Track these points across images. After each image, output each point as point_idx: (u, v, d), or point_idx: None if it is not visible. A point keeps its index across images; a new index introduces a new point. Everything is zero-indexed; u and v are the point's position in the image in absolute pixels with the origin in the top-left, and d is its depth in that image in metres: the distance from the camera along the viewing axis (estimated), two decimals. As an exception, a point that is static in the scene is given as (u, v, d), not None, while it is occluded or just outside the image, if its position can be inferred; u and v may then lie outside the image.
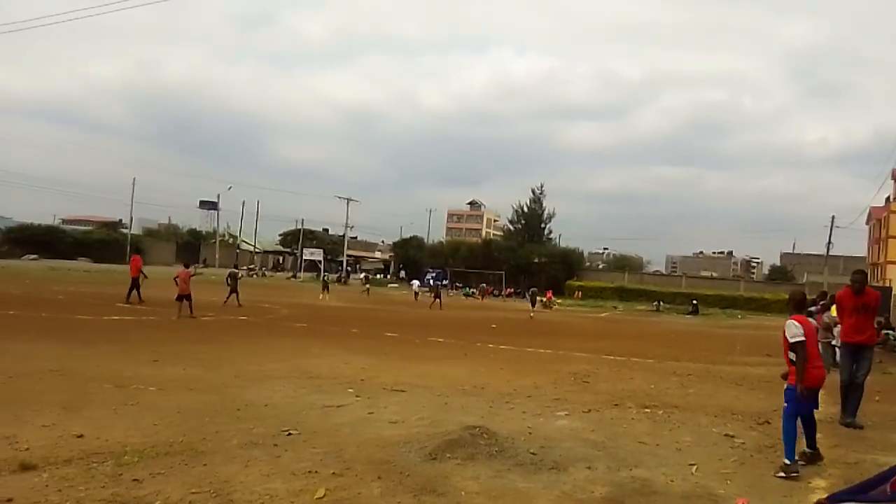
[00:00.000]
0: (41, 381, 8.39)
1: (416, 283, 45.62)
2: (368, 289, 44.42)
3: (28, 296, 22.83)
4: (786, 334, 6.14)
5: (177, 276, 19.43)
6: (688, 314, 43.14)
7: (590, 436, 6.95)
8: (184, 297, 18.66)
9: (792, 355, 6.08)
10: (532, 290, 38.64)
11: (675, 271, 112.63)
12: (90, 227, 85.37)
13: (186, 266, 20.72)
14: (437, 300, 34.89)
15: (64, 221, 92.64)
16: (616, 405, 8.91)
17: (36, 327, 14.18)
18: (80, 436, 5.84)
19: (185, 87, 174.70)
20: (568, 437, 6.81)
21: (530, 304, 35.06)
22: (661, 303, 48.30)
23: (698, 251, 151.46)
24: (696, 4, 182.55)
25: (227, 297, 24.53)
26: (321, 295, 36.42)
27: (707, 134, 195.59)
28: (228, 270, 30.95)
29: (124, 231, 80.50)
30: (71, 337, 12.86)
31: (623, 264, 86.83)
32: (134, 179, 76.58)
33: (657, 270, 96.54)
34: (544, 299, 42.07)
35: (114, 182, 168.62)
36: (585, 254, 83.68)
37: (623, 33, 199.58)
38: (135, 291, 22.15)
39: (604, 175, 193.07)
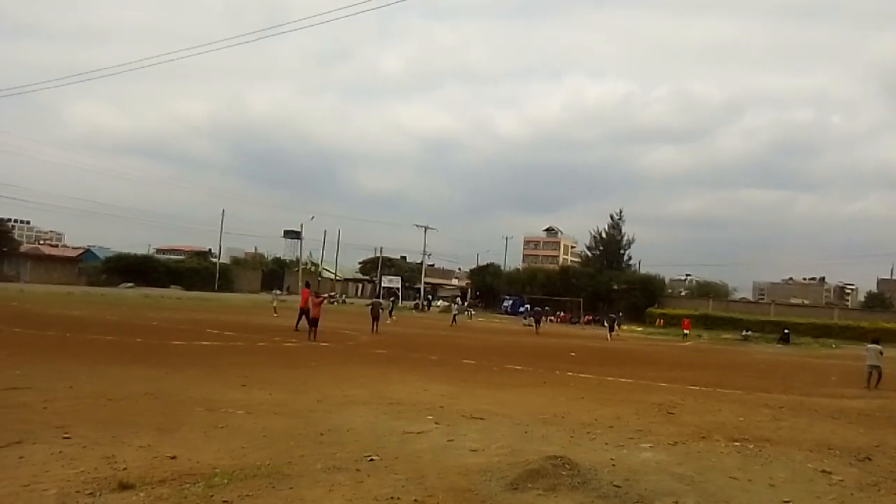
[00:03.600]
0: (137, 403, 8.80)
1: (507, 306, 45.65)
2: (465, 315, 44.84)
3: (125, 322, 24.06)
4: None
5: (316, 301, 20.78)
6: (778, 343, 41.21)
7: (676, 469, 6.73)
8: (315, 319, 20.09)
9: None
10: (610, 315, 38.51)
11: (763, 298, 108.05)
12: (182, 256, 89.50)
13: (314, 292, 22.34)
14: (537, 326, 37.09)
15: (157, 251, 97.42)
16: (703, 438, 8.59)
17: (132, 352, 14.91)
18: (174, 457, 6.08)
19: (269, 121, 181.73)
20: (653, 471, 6.61)
21: (608, 330, 35.55)
22: (749, 331, 46.36)
23: (787, 277, 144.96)
24: (779, 23, 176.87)
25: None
26: (389, 319, 37.16)
27: (794, 155, 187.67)
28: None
29: (213, 260, 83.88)
30: (164, 361, 13.45)
31: (707, 291, 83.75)
32: (223, 211, 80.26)
33: (743, 298, 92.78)
34: (627, 326, 40.91)
35: (203, 213, 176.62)
36: (667, 280, 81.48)
37: (702, 55, 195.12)
38: (303, 319, 22.21)
39: (685, 199, 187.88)
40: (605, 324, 38.17)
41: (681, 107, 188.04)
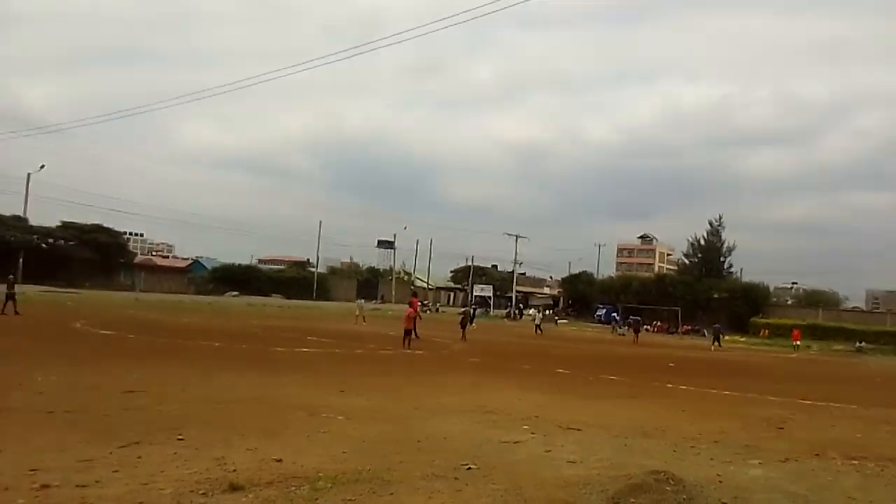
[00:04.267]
0: (244, 407, 9.18)
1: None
2: (552, 323, 44.31)
3: (230, 329, 25.20)
4: None
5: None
6: (897, 355, 38.52)
7: (789, 488, 6.37)
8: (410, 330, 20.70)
9: None
10: (715, 326, 37.43)
11: (878, 308, 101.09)
12: (282, 266, 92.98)
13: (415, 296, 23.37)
14: (636, 335, 37.70)
15: (260, 261, 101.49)
16: (817, 455, 8.11)
17: (238, 358, 15.58)
18: (279, 460, 6.29)
19: (363, 134, 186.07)
20: (763, 488, 6.29)
21: (713, 340, 34.80)
22: (864, 342, 43.51)
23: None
24: (889, 17, 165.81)
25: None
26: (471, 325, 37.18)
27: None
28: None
29: (311, 269, 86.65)
30: (268, 367, 13.98)
31: (815, 300, 79.18)
32: (320, 222, 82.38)
33: (856, 307, 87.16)
34: (729, 336, 39.40)
35: (302, 224, 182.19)
36: (771, 288, 77.63)
37: (805, 53, 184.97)
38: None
39: (790, 204, 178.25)
40: (709, 334, 37.18)
41: (784, 108, 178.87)
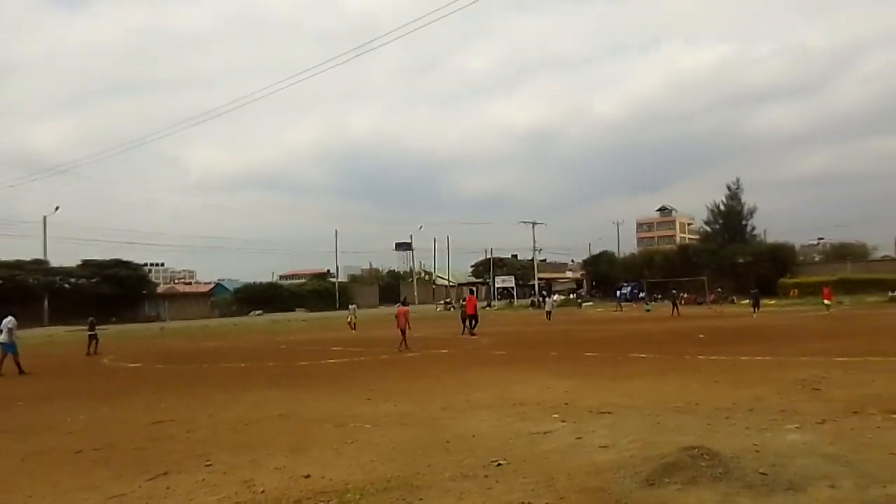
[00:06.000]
0: (271, 425, 9.14)
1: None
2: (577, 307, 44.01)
3: (256, 348, 25.30)
4: None
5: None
6: (933, 301, 37.82)
7: (828, 450, 6.19)
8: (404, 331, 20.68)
9: None
10: (753, 291, 37.43)
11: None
12: (303, 280, 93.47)
13: (405, 304, 23.34)
14: (675, 309, 38.73)
15: (281, 277, 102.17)
16: (856, 413, 7.90)
17: (264, 376, 15.60)
18: (308, 476, 6.23)
19: (370, 140, 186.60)
20: (802, 453, 6.12)
21: (752, 306, 34.86)
22: (897, 291, 42.78)
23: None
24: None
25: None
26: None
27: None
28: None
29: (332, 280, 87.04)
30: (294, 383, 13.97)
31: (844, 253, 77.98)
32: (336, 231, 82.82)
33: (886, 256, 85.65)
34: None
35: (319, 235, 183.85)
36: (797, 247, 76.64)
37: (803, 3, 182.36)
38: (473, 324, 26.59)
39: (807, 158, 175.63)
40: (749, 300, 37.27)
41: (789, 61, 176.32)
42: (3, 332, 18.04)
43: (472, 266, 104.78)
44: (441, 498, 5.36)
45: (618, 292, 56.80)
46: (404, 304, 23.26)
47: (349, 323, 34.51)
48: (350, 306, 41.05)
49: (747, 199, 70.84)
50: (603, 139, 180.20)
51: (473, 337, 25.00)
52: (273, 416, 9.86)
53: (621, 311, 48.24)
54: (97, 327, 26.11)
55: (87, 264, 68.71)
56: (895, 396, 8.92)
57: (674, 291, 43.78)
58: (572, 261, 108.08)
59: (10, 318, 18.29)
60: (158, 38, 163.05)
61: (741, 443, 6.57)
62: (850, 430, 7.02)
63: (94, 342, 25.06)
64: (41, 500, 5.86)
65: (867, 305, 38.16)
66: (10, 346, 18.00)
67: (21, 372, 17.71)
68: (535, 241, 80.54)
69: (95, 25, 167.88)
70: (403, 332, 20.73)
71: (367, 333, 25.94)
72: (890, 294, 42.24)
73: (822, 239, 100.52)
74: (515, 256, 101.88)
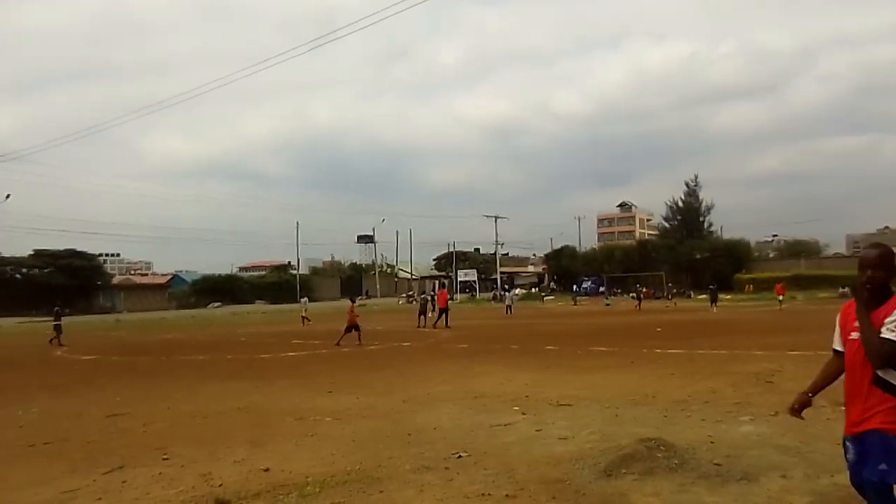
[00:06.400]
0: (230, 418, 9.03)
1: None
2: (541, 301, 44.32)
3: (215, 341, 24.94)
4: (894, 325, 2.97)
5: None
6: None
7: (781, 441, 6.37)
8: (352, 327, 19.96)
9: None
10: (710, 287, 37.97)
11: (859, 251, 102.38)
12: (263, 272, 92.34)
13: (352, 300, 22.97)
14: (639, 303, 39.42)
15: (240, 269, 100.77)
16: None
17: (223, 369, 15.39)
18: (267, 469, 6.17)
19: (334, 129, 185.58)
20: (755, 444, 6.28)
21: (711, 302, 35.17)
22: (847, 287, 44.02)
23: (883, 227, 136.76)
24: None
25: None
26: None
27: (879, 96, 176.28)
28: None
29: (293, 272, 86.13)
30: (254, 375, 13.81)
31: (797, 250, 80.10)
32: (297, 223, 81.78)
33: (837, 253, 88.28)
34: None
35: (280, 227, 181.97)
36: (753, 243, 78.48)
37: (767, 2, 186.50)
38: (443, 317, 27.30)
39: (764, 157, 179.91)
40: (708, 295, 37.60)
41: (750, 60, 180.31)
42: None
43: (434, 259, 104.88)
44: (402, 490, 5.36)
45: (574, 286, 57.55)
46: (351, 300, 23.31)
47: (303, 317, 33.46)
48: (301, 300, 40.09)
49: (705, 196, 72.04)
50: (566, 134, 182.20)
51: (448, 328, 25.99)
52: (232, 409, 9.74)
53: (575, 304, 48.90)
54: (62, 317, 25.81)
55: (39, 254, 66.79)
56: (843, 388, 9.21)
57: (637, 286, 44.46)
58: (534, 255, 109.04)
59: None
60: (116, 24, 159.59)
61: (697, 434, 6.72)
62: (802, 422, 7.19)
63: (58, 333, 24.69)
64: (-10, 495, 5.70)
65: (819, 301, 39.23)
66: None
67: None
68: (497, 235, 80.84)
69: (51, 10, 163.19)
70: (354, 327, 20.04)
71: (327, 326, 25.75)
72: (840, 290, 43.45)
73: (776, 236, 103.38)
74: (478, 250, 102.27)
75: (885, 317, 3.00)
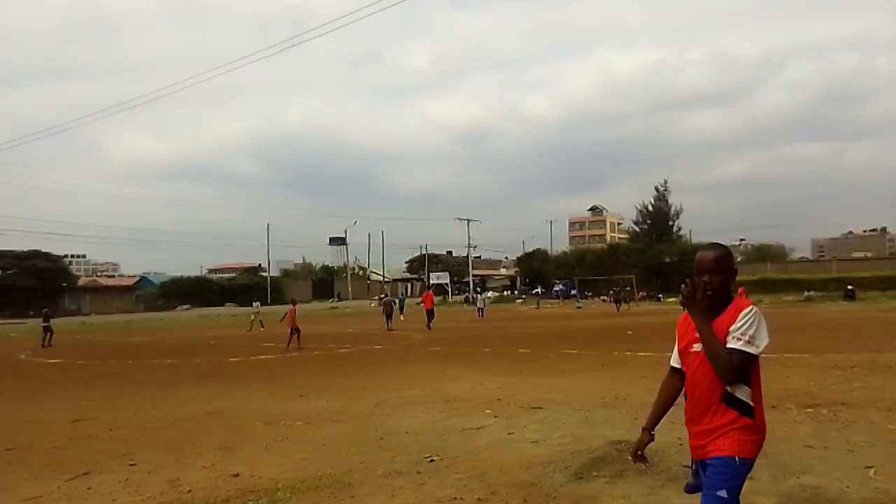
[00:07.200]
0: (199, 423, 8.91)
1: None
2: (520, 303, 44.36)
3: (184, 344, 24.59)
4: (741, 334, 2.76)
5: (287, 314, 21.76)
6: (843, 300, 39.91)
7: (747, 443, 6.46)
8: (294, 330, 20.65)
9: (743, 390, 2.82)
10: (613, 289, 38.91)
11: (823, 255, 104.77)
12: (233, 274, 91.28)
13: (293, 303, 23.35)
14: (618, 305, 39.81)
15: (210, 271, 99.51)
16: (773, 407, 8.25)
17: (192, 373, 15.18)
18: (237, 475, 6.10)
19: (305, 132, 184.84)
20: (723, 446, 6.37)
21: (682, 307, 34.96)
22: (812, 291, 44.95)
23: (847, 231, 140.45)
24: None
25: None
26: (401, 316, 37.09)
27: (842, 103, 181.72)
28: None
29: (263, 274, 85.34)
30: (223, 380, 13.65)
31: (764, 254, 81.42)
32: (268, 225, 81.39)
33: (803, 257, 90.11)
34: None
35: (250, 229, 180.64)
36: (720, 247, 79.37)
37: (734, 12, 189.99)
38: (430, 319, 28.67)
39: (731, 163, 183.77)
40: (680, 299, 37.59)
41: (717, 68, 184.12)
42: None
43: (406, 262, 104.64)
44: (374, 495, 5.34)
45: (534, 290, 57.99)
46: (293, 303, 23.45)
47: (252, 322, 32.15)
48: (254, 303, 38.69)
49: (674, 200, 72.93)
50: (537, 138, 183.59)
51: (429, 330, 26.84)
52: (201, 413, 9.61)
53: (538, 308, 49.19)
54: (51, 319, 26.13)
55: (2, 255, 65.35)
56: (809, 391, 9.40)
57: (614, 289, 44.70)
58: (506, 258, 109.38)
59: None
60: (86, 22, 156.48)
61: (666, 437, 6.73)
62: (768, 424, 7.31)
63: (48, 334, 24.94)
64: (-51, 503, 5.55)
65: (784, 304, 39.93)
66: None
67: None
68: (469, 238, 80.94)
69: (19, 7, 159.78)
70: (295, 331, 20.62)
71: (317, 328, 25.58)
72: (805, 294, 44.38)
73: (743, 240, 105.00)
74: (450, 253, 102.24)
75: (730, 324, 2.76)
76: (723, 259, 2.92)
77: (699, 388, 2.86)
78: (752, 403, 2.81)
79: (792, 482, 5.18)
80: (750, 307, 2.80)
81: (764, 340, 2.76)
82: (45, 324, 25.29)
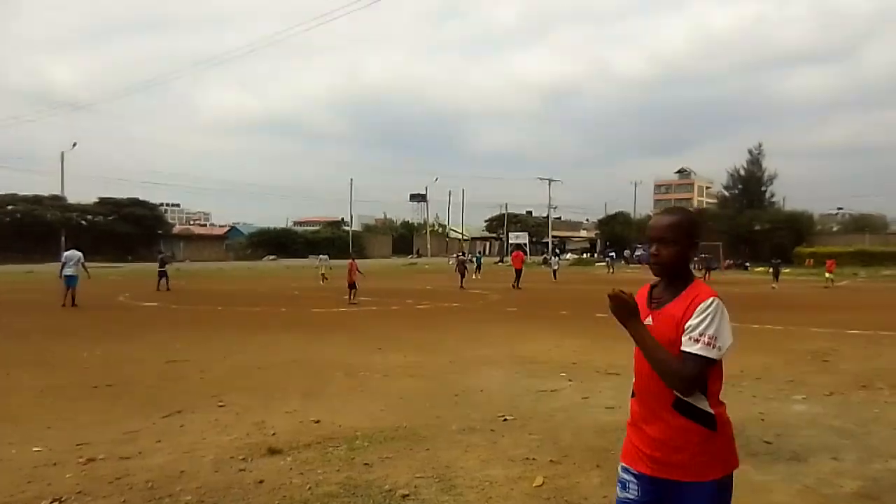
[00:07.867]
0: (284, 370, 9.29)
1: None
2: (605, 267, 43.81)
3: (270, 293, 25.57)
4: (699, 334, 2.25)
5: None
6: (950, 277, 37.34)
7: (834, 422, 6.23)
8: (351, 285, 21.08)
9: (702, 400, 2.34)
10: (773, 261, 36.22)
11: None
12: (317, 227, 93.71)
13: (353, 258, 23.96)
14: (707, 274, 36.58)
15: (295, 223, 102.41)
16: (864, 387, 7.92)
17: (278, 322, 15.80)
18: (318, 421, 6.36)
19: (389, 89, 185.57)
20: (807, 424, 6.17)
21: (773, 277, 33.38)
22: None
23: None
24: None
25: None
26: (476, 275, 37.17)
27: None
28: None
29: (346, 228, 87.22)
30: (307, 329, 14.15)
31: (863, 225, 77.01)
32: (351, 180, 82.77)
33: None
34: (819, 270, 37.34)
35: (334, 183, 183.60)
36: (816, 216, 75.74)
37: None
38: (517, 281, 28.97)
39: (832, 126, 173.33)
40: (770, 270, 35.71)
41: (821, 23, 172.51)
42: (70, 266, 19.53)
43: (486, 221, 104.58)
44: (448, 449, 5.46)
45: (609, 254, 56.50)
46: (353, 258, 24.14)
47: (322, 276, 31.88)
48: (320, 256, 38.25)
49: (768, 165, 69.59)
50: (624, 98, 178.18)
51: (518, 289, 27.71)
52: (285, 361, 10.01)
53: (612, 273, 47.65)
54: (167, 264, 27.30)
55: (104, 202, 69.20)
56: (904, 372, 8.92)
57: (704, 255, 43.02)
58: (587, 220, 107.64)
59: (78, 252, 20.17)
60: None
61: (747, 411, 6.62)
62: (857, 404, 7.05)
63: (163, 279, 26.08)
64: (59, 432, 6.03)
65: (882, 279, 37.81)
66: (74, 279, 19.36)
67: (74, 304, 18.93)
68: (550, 199, 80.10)
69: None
70: (352, 286, 21.07)
71: (377, 285, 26.14)
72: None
73: (841, 209, 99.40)
74: (530, 213, 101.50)
75: (683, 315, 2.25)
76: (679, 226, 2.36)
77: (648, 383, 2.38)
78: (712, 412, 2.30)
79: (879, 465, 4.98)
80: (710, 299, 2.26)
81: (727, 341, 2.23)
82: (160, 269, 26.30)
